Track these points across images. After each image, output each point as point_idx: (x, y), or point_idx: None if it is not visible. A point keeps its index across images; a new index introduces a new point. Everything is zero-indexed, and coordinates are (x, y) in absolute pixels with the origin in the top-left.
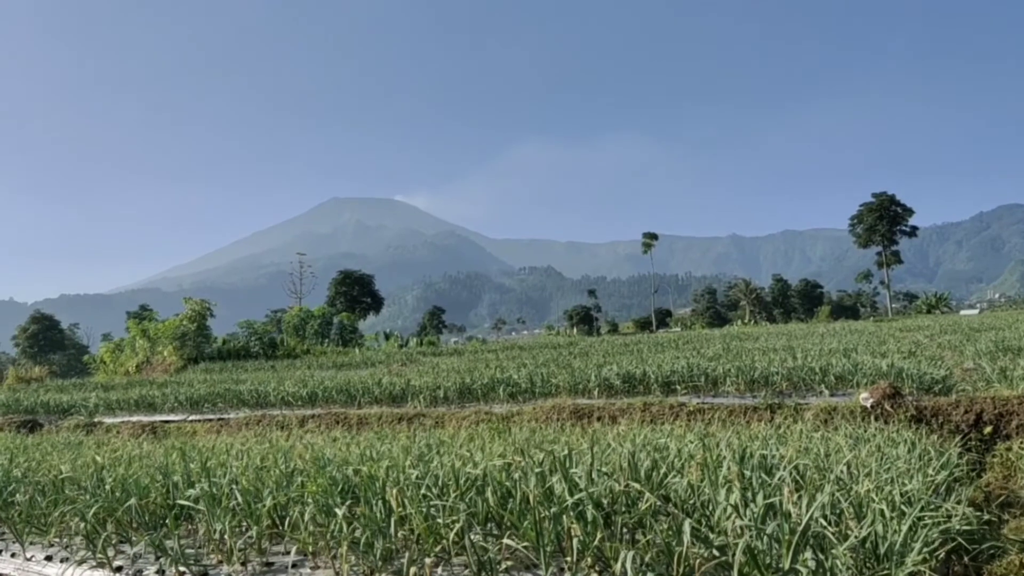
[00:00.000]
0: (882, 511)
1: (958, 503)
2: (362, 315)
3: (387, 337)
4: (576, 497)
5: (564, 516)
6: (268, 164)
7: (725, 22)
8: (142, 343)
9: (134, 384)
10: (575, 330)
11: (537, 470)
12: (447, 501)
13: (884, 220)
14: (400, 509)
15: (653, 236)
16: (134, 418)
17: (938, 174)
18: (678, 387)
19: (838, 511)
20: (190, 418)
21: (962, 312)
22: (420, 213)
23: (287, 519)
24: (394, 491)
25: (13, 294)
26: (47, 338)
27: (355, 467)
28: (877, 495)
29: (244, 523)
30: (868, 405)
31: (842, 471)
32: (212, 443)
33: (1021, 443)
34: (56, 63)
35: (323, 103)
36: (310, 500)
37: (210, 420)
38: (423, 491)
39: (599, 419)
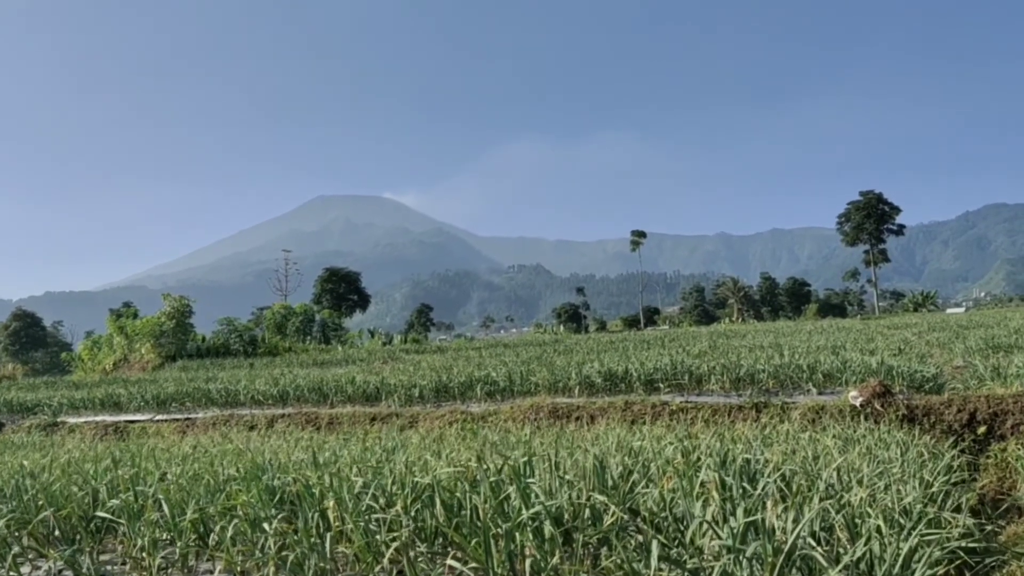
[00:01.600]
0: (879, 527)
1: (957, 511)
2: (348, 313)
3: (371, 334)
4: (531, 511)
5: (517, 533)
6: (254, 162)
7: (713, 21)
8: (119, 340)
9: (101, 383)
10: (562, 328)
11: (492, 479)
12: (390, 514)
13: (871, 218)
14: (338, 524)
15: (641, 234)
16: (99, 418)
17: (924, 173)
18: (661, 385)
19: (828, 525)
20: (156, 418)
21: (948, 310)
22: (409, 211)
23: (211, 534)
24: (331, 503)
25: None
26: (29, 335)
27: (293, 475)
28: (872, 506)
29: (170, 537)
30: (858, 404)
31: (832, 477)
32: (145, 447)
33: (1017, 443)
34: (41, 61)
35: (309, 101)
36: (241, 512)
37: (177, 420)
38: (368, 502)
39: (578, 419)
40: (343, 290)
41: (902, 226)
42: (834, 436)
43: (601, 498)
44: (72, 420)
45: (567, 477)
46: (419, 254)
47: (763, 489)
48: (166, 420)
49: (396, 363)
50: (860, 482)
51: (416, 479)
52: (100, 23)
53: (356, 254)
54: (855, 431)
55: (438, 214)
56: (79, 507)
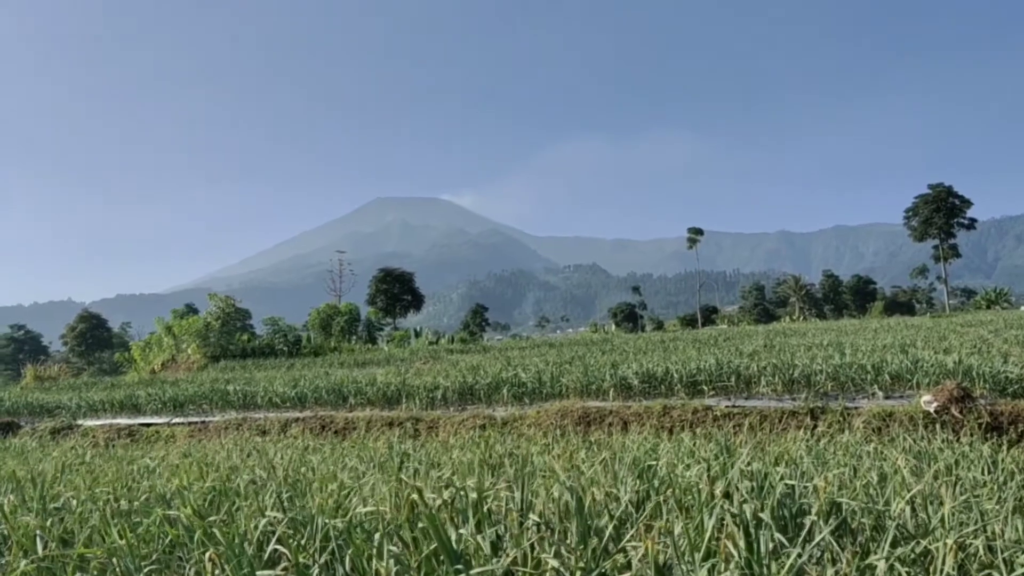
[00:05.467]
0: None
1: None
2: (403, 313)
3: (416, 334)
4: None
5: None
6: (315, 164)
7: (775, 15)
8: (167, 341)
9: (119, 385)
10: (615, 327)
11: (421, 525)
12: (275, 572)
13: (941, 212)
14: None
15: (699, 231)
16: (115, 420)
17: (996, 167)
18: (705, 388)
19: None
20: (173, 420)
21: (1023, 308)
22: (465, 212)
23: None
24: (208, 553)
25: (71, 294)
26: (95, 336)
27: (191, 509)
28: (967, 567)
29: None
30: (932, 410)
31: (904, 513)
32: (105, 459)
33: None
34: (105, 68)
35: (368, 103)
36: (115, 561)
37: (192, 423)
38: (278, 546)
39: (610, 425)
40: (397, 290)
41: (973, 220)
42: (904, 450)
43: (553, 562)
44: (89, 423)
45: (533, 519)
46: (475, 255)
47: (809, 547)
48: (181, 423)
49: (436, 363)
50: (943, 521)
51: (328, 522)
52: (163, 28)
53: (413, 255)
54: (930, 443)
55: (494, 215)
56: None
